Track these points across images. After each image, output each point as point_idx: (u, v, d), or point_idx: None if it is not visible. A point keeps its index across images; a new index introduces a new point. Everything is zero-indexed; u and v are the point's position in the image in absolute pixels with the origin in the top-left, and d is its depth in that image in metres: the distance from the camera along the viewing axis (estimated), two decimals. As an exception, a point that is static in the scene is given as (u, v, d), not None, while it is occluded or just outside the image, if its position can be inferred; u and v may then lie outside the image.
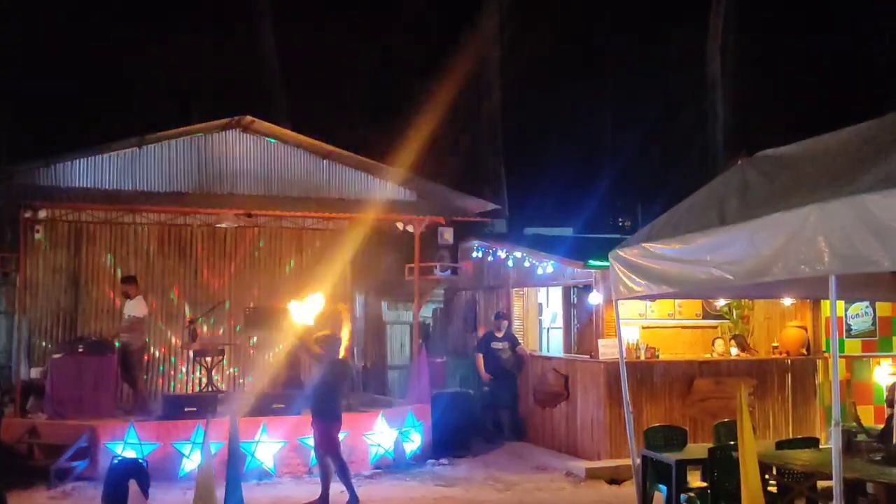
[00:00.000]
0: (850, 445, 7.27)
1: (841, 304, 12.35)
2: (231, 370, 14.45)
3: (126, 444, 10.60)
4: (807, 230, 5.20)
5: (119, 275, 13.74)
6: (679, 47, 25.32)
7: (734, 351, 12.93)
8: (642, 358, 12.15)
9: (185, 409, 11.33)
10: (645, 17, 26.45)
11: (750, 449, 6.04)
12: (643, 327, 13.44)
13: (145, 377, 13.22)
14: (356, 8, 25.53)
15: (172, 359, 14.42)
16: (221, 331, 14.54)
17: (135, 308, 12.35)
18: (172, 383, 14.36)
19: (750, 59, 24.75)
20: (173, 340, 14.38)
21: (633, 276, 7.08)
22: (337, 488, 9.44)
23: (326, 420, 9.40)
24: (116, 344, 12.41)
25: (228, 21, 23.97)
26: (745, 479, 6.03)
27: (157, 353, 14.22)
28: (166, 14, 23.73)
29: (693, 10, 24.16)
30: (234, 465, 7.04)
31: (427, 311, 16.71)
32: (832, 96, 23.75)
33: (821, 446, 8.37)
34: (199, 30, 23.85)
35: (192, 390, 13.99)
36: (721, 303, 13.22)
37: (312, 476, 11.03)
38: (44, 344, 13.71)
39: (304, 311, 9.56)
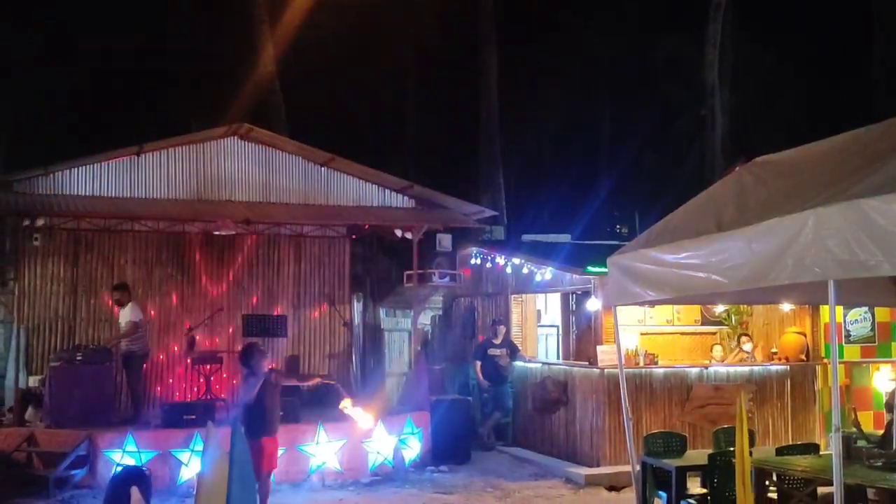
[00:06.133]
0: (850, 451, 7.26)
1: (840, 309, 12.35)
2: (229, 378, 14.41)
3: (124, 452, 10.58)
4: (805, 235, 5.20)
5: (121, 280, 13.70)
6: (676, 55, 25.40)
7: (748, 347, 12.90)
8: (641, 364, 12.14)
9: (184, 417, 11.32)
10: (643, 25, 26.54)
11: (742, 455, 6.05)
12: (642, 333, 13.44)
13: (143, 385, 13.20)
14: (354, 16, 25.59)
15: (171, 366, 14.38)
16: (220, 338, 14.52)
17: (130, 314, 12.34)
18: (170, 391, 14.32)
19: (747, 67, 24.83)
20: (172, 348, 14.35)
21: (632, 282, 7.08)
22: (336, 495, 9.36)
23: None
24: (120, 350, 12.38)
25: (225, 27, 24.01)
26: (740, 485, 6.04)
27: (155, 361, 14.18)
28: (165, 21, 23.80)
29: (690, 18, 24.22)
30: (237, 474, 6.99)
31: (426, 318, 16.70)
32: (829, 102, 23.84)
33: (821, 452, 8.35)
34: (198, 36, 23.92)
35: (191, 398, 13.95)
36: (720, 309, 13.22)
37: (311, 483, 11.05)
38: (42, 352, 13.66)
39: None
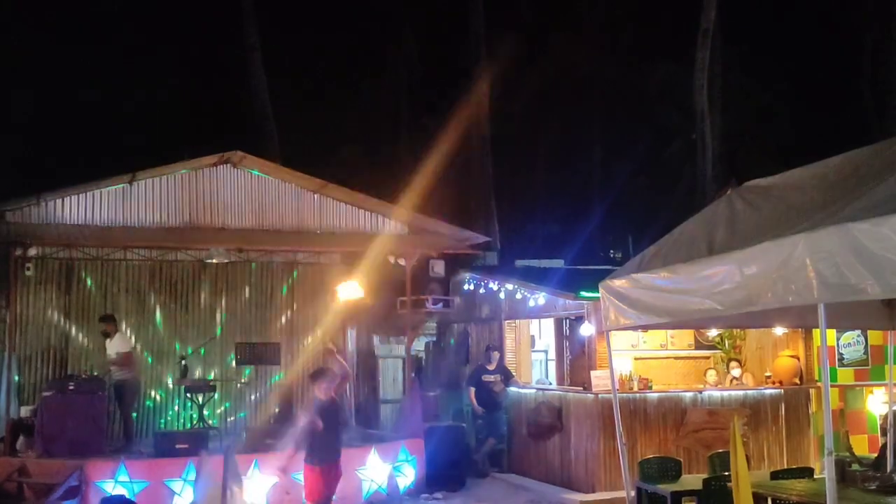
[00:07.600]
0: (844, 475, 7.25)
1: (832, 332, 12.36)
2: (222, 406, 14.36)
3: (117, 482, 10.50)
4: (795, 259, 5.22)
5: (109, 311, 13.65)
6: (667, 80, 25.57)
7: (736, 372, 12.89)
8: (635, 389, 12.12)
9: (177, 447, 11.23)
10: (633, 51, 26.72)
11: (744, 479, 6.03)
12: (636, 358, 13.40)
13: (135, 414, 13.13)
14: (350, 46, 25.78)
15: (163, 395, 14.31)
16: (213, 367, 14.46)
17: (118, 345, 12.30)
18: (163, 420, 14.25)
19: (737, 91, 24.99)
20: (164, 377, 14.29)
21: (624, 307, 7.09)
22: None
23: None
24: (112, 380, 12.33)
25: (219, 57, 24.13)
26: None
27: (147, 390, 14.11)
28: (159, 51, 23.89)
29: (680, 43, 24.39)
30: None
31: (419, 345, 16.66)
32: (818, 125, 23.98)
33: (815, 476, 8.34)
34: (190, 66, 24.03)
35: (184, 427, 13.88)
36: (713, 333, 13.21)
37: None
38: (34, 382, 13.58)
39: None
